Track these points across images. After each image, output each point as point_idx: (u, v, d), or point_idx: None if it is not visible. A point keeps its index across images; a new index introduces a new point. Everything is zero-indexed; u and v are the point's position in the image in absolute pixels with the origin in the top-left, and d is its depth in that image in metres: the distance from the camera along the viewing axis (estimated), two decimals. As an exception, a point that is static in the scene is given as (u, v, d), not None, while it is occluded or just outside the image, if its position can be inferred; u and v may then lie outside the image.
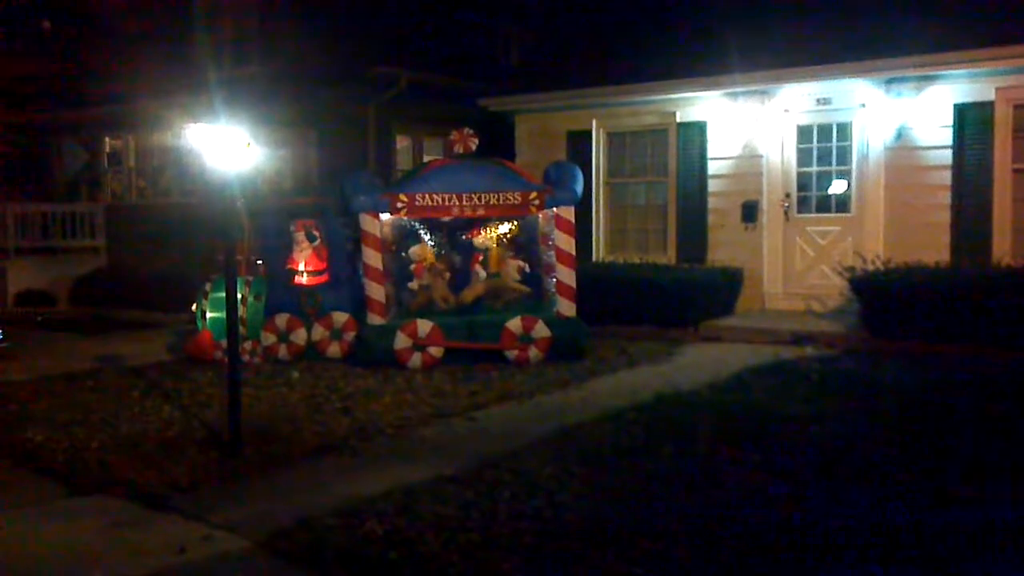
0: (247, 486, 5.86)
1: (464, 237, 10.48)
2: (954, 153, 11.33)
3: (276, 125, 15.67)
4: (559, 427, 7.04)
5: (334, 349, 10.38)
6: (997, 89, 11.05)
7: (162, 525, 5.18)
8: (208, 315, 10.45)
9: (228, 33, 17.03)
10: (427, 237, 10.34)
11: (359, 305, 10.19)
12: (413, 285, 10.26)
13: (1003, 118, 11.05)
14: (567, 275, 10.11)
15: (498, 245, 10.35)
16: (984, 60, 10.86)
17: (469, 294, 10.36)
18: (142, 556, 4.72)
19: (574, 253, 10.18)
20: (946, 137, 11.36)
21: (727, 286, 12.40)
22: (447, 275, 10.32)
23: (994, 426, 6.73)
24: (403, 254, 10.35)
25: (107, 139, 19.61)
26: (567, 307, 10.13)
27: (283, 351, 10.31)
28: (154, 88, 17.07)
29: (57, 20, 19.63)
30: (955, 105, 11.30)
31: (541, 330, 9.93)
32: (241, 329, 9.85)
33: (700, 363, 9.79)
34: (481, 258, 10.37)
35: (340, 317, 10.41)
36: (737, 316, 12.29)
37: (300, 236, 10.57)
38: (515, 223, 10.35)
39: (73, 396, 8.65)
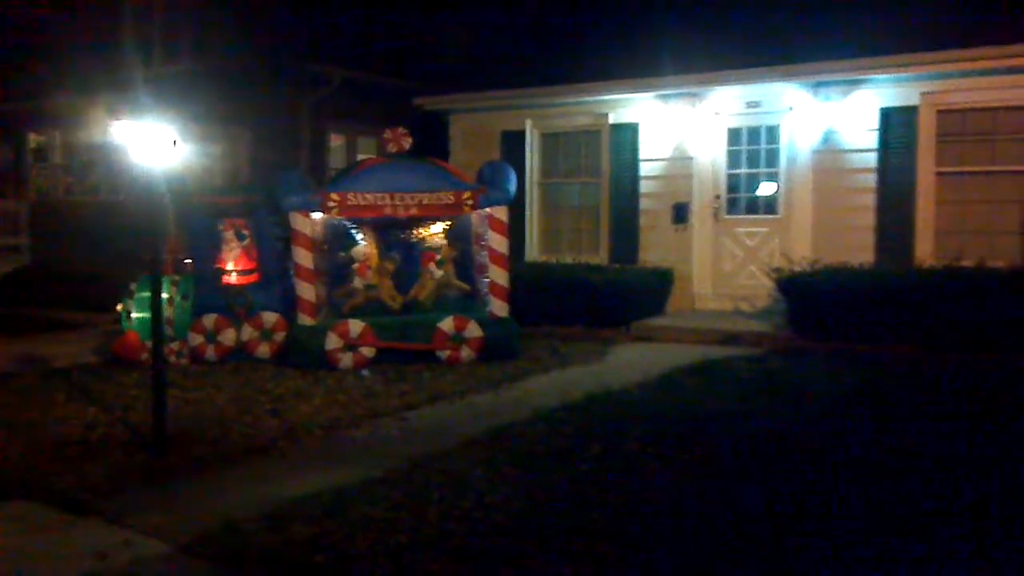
0: (171, 489, 5.76)
1: (413, 236, 10.41)
2: (879, 157, 11.57)
3: (207, 122, 15.45)
4: (490, 427, 7.04)
5: (264, 350, 10.25)
6: (922, 94, 11.31)
7: (83, 530, 5.07)
8: (134, 315, 10.23)
9: (157, 29, 16.75)
10: (360, 237, 10.26)
11: (290, 305, 10.09)
12: (357, 284, 10.17)
13: (927, 122, 11.30)
14: (500, 275, 10.12)
15: (448, 244, 10.32)
16: (910, 65, 11.12)
17: (420, 292, 10.30)
18: (62, 562, 4.62)
19: (507, 253, 10.19)
20: (872, 141, 11.61)
21: (658, 286, 12.53)
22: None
23: (911, 423, 6.90)
24: (342, 253, 10.27)
25: (31, 135, 19.15)
26: (500, 307, 10.14)
27: (211, 351, 10.16)
28: (80, 83, 16.73)
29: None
30: (881, 109, 11.55)
31: (473, 330, 9.93)
32: (168, 330, 9.71)
33: (631, 363, 9.87)
34: (438, 257, 10.30)
35: (270, 317, 10.28)
36: (668, 316, 12.42)
37: (229, 235, 10.39)
38: (448, 222, 10.33)
39: (-7, 398, 8.43)
